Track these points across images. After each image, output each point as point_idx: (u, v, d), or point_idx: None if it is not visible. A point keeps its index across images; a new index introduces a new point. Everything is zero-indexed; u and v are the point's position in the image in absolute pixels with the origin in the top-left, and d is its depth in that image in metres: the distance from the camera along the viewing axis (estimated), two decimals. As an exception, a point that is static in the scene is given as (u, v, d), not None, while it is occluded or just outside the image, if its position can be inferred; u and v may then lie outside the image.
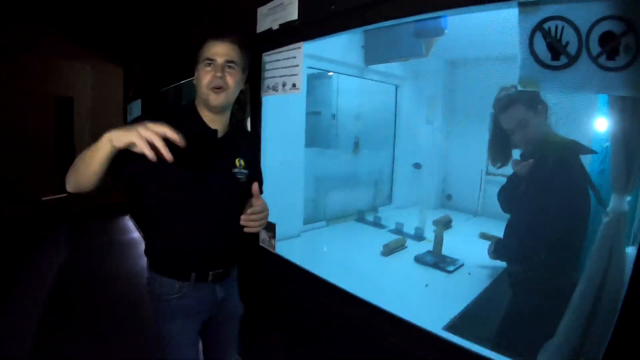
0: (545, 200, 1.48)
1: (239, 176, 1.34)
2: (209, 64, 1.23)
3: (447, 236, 2.18)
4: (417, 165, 2.66)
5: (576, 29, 1.07)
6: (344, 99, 2.76)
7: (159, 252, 1.32)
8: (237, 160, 1.35)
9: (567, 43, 1.07)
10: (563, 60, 1.09)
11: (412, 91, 2.76)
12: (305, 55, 2.14)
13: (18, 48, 5.69)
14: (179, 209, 1.25)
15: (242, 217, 1.23)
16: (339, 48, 2.35)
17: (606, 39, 1.03)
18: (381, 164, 2.85)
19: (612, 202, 1.13)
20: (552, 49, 1.10)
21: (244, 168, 1.36)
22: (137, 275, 3.53)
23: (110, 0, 4.26)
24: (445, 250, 1.95)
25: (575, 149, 1.42)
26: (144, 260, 1.38)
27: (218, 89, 1.23)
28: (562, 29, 1.08)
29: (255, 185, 1.26)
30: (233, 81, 1.25)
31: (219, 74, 1.22)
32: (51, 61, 6.17)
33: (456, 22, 1.72)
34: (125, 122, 6.30)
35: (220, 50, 1.23)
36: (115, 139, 0.94)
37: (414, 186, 2.74)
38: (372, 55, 2.37)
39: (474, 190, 2.45)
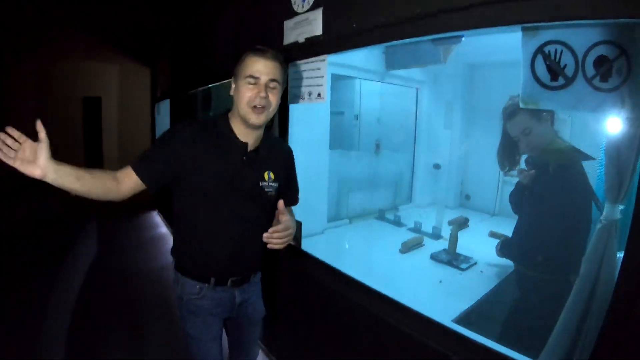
0: (546, 205, 1.58)
1: (267, 189, 1.34)
2: (252, 82, 1.23)
3: (464, 235, 2.29)
4: (437, 166, 2.76)
5: (573, 53, 1.16)
6: (366, 101, 2.88)
7: (182, 254, 1.38)
8: (266, 174, 1.35)
9: (565, 65, 1.17)
10: (561, 81, 1.18)
11: (432, 94, 2.85)
12: (329, 63, 2.28)
13: (48, 50, 5.91)
14: (204, 216, 1.29)
15: (265, 235, 1.23)
16: (361, 55, 2.45)
17: (600, 62, 1.12)
18: (402, 165, 2.95)
19: (605, 210, 1.22)
20: (551, 71, 1.20)
21: (274, 181, 1.36)
22: (164, 270, 3.59)
23: (139, 3, 4.40)
24: (460, 249, 2.05)
25: (575, 155, 1.51)
26: (170, 256, 1.44)
27: (260, 108, 1.23)
28: (561, 52, 1.17)
29: (280, 202, 1.27)
30: (275, 100, 1.26)
31: (262, 94, 1.22)
32: (80, 62, 6.38)
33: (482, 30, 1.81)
34: (152, 122, 6.46)
35: (263, 69, 1.22)
36: None
37: (434, 186, 2.84)
38: (393, 61, 2.47)
39: (492, 191, 2.54)
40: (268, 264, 1.60)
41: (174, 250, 1.42)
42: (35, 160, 1.02)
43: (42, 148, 1.02)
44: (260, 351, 2.21)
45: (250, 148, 1.32)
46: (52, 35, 5.53)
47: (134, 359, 2.31)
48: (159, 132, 5.95)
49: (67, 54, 6.17)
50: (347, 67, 2.45)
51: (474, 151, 2.62)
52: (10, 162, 1.00)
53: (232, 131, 1.31)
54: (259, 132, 1.34)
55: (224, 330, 1.50)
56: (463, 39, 1.98)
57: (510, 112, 1.64)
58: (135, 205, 5.83)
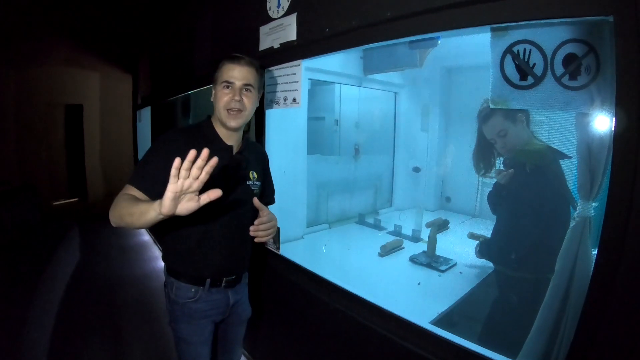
0: (523, 205, 1.58)
1: (252, 188, 1.44)
2: (227, 87, 1.31)
3: (444, 237, 2.29)
4: (416, 169, 2.77)
5: (542, 52, 1.16)
6: (346, 106, 2.88)
7: (176, 259, 1.40)
8: (251, 174, 1.44)
9: (534, 64, 1.17)
10: (530, 80, 1.18)
11: (411, 98, 2.86)
12: (306, 68, 2.27)
13: (29, 58, 5.83)
14: (198, 219, 1.29)
15: (251, 228, 1.33)
16: (339, 60, 2.46)
17: (569, 60, 1.12)
18: (381, 168, 2.95)
19: (578, 207, 1.23)
20: (520, 70, 1.20)
21: (257, 180, 1.47)
22: (145, 277, 3.54)
23: (119, 9, 4.33)
24: (440, 251, 2.05)
25: (552, 154, 1.52)
26: (153, 263, 1.48)
27: (235, 111, 1.31)
28: (530, 51, 1.18)
29: (256, 199, 1.36)
30: (250, 103, 1.34)
31: (237, 98, 1.30)
32: (61, 70, 6.31)
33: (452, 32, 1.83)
34: (134, 128, 6.40)
35: (238, 74, 1.31)
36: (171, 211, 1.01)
37: (414, 189, 2.85)
38: (370, 65, 2.48)
39: (472, 193, 2.55)
40: (252, 265, 1.63)
41: (166, 256, 1.44)
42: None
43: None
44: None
45: (234, 150, 1.41)
46: (32, 42, 5.45)
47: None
48: (140, 139, 5.91)
49: (48, 60, 6.10)
50: (327, 72, 2.46)
51: (454, 153, 2.63)
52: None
53: (217, 135, 1.38)
54: (239, 135, 1.42)
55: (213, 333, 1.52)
56: (439, 42, 2.01)
57: (485, 115, 1.65)
58: None
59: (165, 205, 0.98)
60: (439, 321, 1.48)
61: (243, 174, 1.42)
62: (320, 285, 1.73)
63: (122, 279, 3.64)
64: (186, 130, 1.39)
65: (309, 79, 2.46)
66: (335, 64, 2.45)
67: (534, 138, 1.59)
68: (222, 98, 1.32)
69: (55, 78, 6.31)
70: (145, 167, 1.28)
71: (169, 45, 4.05)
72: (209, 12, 2.82)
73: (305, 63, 2.22)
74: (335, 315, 1.63)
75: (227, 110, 1.32)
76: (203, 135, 1.37)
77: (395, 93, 2.86)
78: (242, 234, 1.40)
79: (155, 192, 1.23)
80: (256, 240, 1.36)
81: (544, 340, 1.28)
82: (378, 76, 2.62)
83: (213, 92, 1.39)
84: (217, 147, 1.36)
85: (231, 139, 1.39)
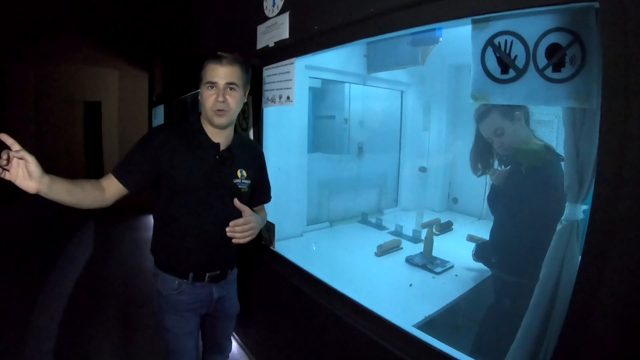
0: (518, 206, 1.51)
1: (240, 186, 1.43)
2: (211, 87, 1.33)
3: (447, 238, 2.23)
4: (423, 169, 2.70)
5: (524, 43, 1.10)
6: (355, 104, 2.86)
7: (161, 250, 1.43)
8: (239, 172, 1.44)
9: (516, 57, 1.11)
10: (512, 73, 1.13)
11: (417, 96, 2.80)
12: (310, 67, 2.28)
13: (49, 56, 6.11)
14: (181, 213, 1.36)
15: (227, 229, 1.35)
16: (342, 58, 2.45)
17: (553, 51, 1.06)
18: (387, 168, 2.91)
19: (566, 210, 1.16)
20: (501, 63, 1.15)
21: (246, 179, 1.45)
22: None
23: (137, 8, 4.45)
24: (441, 253, 1.99)
25: (550, 155, 1.44)
26: None
27: (220, 111, 1.32)
28: (512, 43, 1.12)
29: (236, 200, 1.38)
30: (234, 102, 1.35)
31: (220, 99, 1.32)
32: (80, 68, 6.57)
33: (461, 28, 1.78)
34: (150, 125, 6.53)
35: (220, 73, 1.32)
36: None
37: (420, 189, 2.78)
38: (374, 63, 2.45)
39: (479, 194, 2.47)
40: (242, 262, 1.67)
41: (153, 247, 1.47)
42: (31, 174, 1.03)
43: (34, 163, 1.02)
44: (235, 344, 2.34)
45: (222, 147, 1.41)
46: (52, 41, 5.69)
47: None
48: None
49: (67, 59, 6.35)
50: (331, 71, 2.45)
51: (461, 153, 2.55)
52: (8, 178, 1.00)
53: (204, 132, 1.40)
54: (228, 132, 1.43)
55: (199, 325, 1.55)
56: (440, 39, 1.97)
57: (482, 113, 1.60)
58: (132, 208, 5.96)
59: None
60: (424, 325, 1.43)
61: (229, 171, 1.42)
62: (307, 281, 1.74)
63: (133, 272, 3.74)
64: (171, 126, 1.43)
65: (318, 78, 2.46)
66: (339, 62, 2.43)
67: (533, 137, 1.52)
68: (208, 99, 1.33)
69: (75, 76, 6.58)
70: (126, 159, 1.34)
71: (180, 45, 4.15)
72: (214, 10, 2.87)
73: (308, 62, 2.23)
74: (319, 312, 1.63)
75: (214, 111, 1.33)
76: (190, 131, 1.40)
77: (402, 92, 2.81)
78: (225, 230, 1.39)
79: (133, 184, 1.32)
80: (234, 241, 1.38)
81: (529, 348, 1.21)
82: (384, 75, 2.59)
83: (200, 92, 1.40)
84: (203, 143, 1.38)
85: (218, 137, 1.40)
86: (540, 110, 1.62)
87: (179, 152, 1.33)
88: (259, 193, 1.59)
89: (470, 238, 1.99)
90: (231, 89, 1.34)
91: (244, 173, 1.46)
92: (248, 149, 1.55)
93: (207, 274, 1.43)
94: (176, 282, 1.41)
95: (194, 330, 1.49)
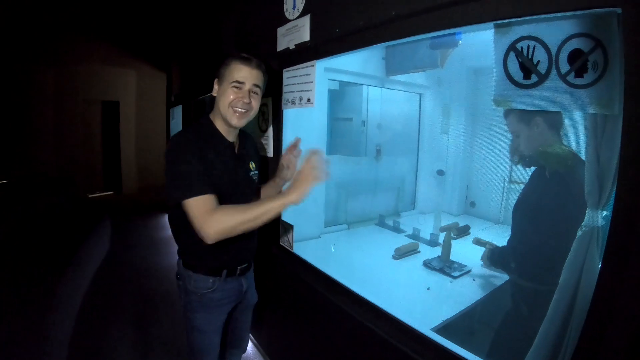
0: (541, 211, 1.49)
1: (254, 178, 1.55)
2: (237, 87, 1.36)
3: (464, 242, 2.21)
4: (440, 172, 2.69)
5: (547, 48, 1.10)
6: (373, 107, 2.87)
7: (193, 252, 1.44)
8: (250, 164, 1.53)
9: (538, 62, 1.12)
10: (534, 78, 1.13)
11: (435, 99, 2.79)
12: (328, 69, 2.30)
13: (68, 56, 6.29)
14: None
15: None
16: (361, 61, 2.46)
17: (575, 56, 1.06)
18: (404, 171, 2.90)
19: (586, 216, 1.15)
20: (524, 68, 1.15)
21: (256, 169, 1.57)
22: (170, 269, 3.67)
23: (155, 9, 4.58)
24: (458, 257, 1.98)
25: (573, 161, 1.42)
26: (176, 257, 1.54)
27: (243, 111, 1.36)
28: (534, 48, 1.12)
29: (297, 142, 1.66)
30: (256, 104, 1.41)
31: (246, 100, 1.36)
32: (99, 68, 6.71)
33: (480, 31, 1.78)
34: (167, 126, 6.55)
35: (248, 75, 1.36)
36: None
37: (438, 192, 2.77)
38: (392, 66, 2.46)
39: (497, 198, 2.45)
40: (259, 263, 1.76)
41: (183, 250, 1.49)
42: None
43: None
44: (250, 343, 2.40)
45: (236, 145, 1.49)
46: (72, 42, 5.88)
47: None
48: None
49: (86, 59, 6.49)
50: (349, 73, 2.46)
51: (480, 156, 2.53)
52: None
53: (218, 132, 1.44)
54: (237, 131, 1.50)
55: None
56: (460, 42, 1.97)
57: (504, 113, 1.60)
58: (148, 207, 6.16)
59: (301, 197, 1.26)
60: (442, 328, 1.44)
61: (245, 166, 1.50)
62: (324, 282, 1.75)
63: (149, 269, 3.82)
64: (192, 133, 1.39)
65: (336, 80, 2.48)
66: (357, 65, 2.44)
67: (559, 143, 1.49)
68: (229, 96, 1.36)
69: (93, 76, 6.71)
70: (192, 174, 1.26)
71: (198, 46, 4.21)
72: (233, 12, 2.92)
73: (328, 64, 2.25)
74: (335, 313, 1.64)
75: (233, 108, 1.36)
76: (208, 134, 1.41)
77: (420, 94, 2.80)
78: None
79: (213, 189, 1.27)
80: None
81: (545, 355, 1.21)
82: (402, 77, 2.59)
83: (216, 87, 1.42)
84: (220, 143, 1.42)
85: (231, 135, 1.45)
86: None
87: (208, 156, 1.35)
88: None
89: (477, 241, 1.96)
90: (255, 92, 1.39)
91: (254, 165, 1.55)
92: (249, 140, 1.63)
93: (238, 268, 1.50)
94: (210, 281, 1.45)
95: (220, 327, 1.55)
